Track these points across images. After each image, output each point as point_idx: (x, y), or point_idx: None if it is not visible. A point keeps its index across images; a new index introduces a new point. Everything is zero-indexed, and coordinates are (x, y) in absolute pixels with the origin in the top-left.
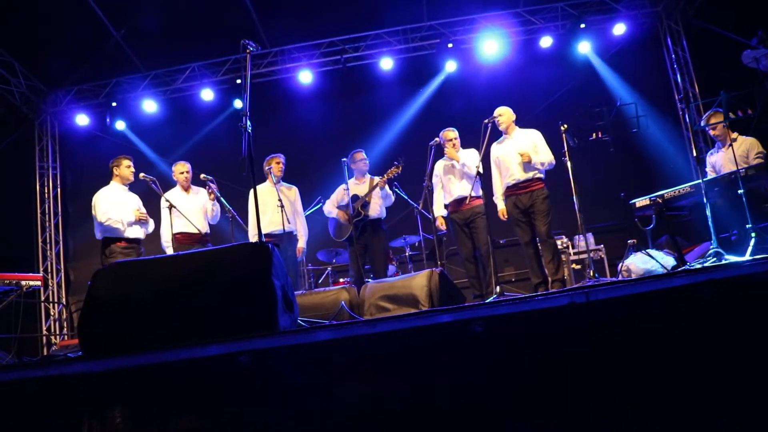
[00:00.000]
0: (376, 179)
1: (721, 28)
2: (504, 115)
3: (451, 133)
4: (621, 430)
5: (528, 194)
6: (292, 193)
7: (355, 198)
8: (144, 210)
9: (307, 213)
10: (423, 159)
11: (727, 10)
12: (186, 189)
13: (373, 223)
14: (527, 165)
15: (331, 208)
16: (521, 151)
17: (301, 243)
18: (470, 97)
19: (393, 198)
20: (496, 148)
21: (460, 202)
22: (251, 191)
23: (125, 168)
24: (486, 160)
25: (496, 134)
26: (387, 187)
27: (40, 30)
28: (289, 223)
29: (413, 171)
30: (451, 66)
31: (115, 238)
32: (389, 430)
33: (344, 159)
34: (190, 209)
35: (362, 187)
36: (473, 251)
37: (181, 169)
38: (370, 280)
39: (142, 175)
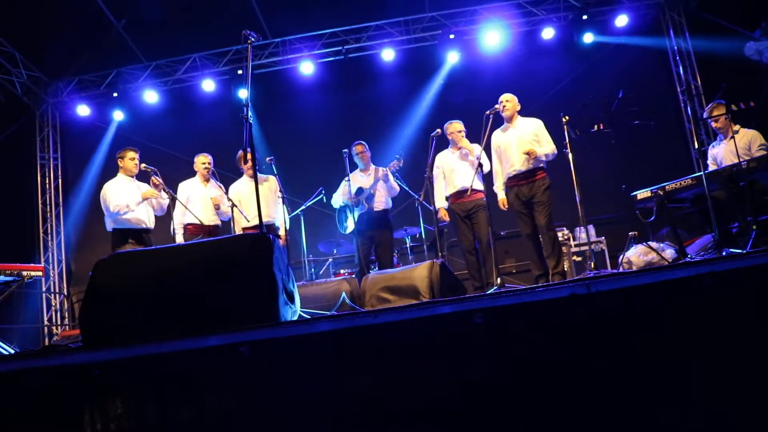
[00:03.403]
0: (381, 170)
1: (723, 19)
2: (510, 102)
3: (458, 125)
4: (622, 420)
5: (529, 185)
6: (273, 183)
7: (360, 191)
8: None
9: (309, 203)
10: (424, 150)
11: (730, 1)
12: (205, 180)
13: (379, 215)
14: (533, 159)
15: (338, 198)
16: (526, 149)
17: (282, 231)
18: (472, 88)
19: (398, 189)
20: (497, 137)
21: (461, 193)
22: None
23: (129, 160)
24: (487, 149)
25: (499, 122)
26: (392, 179)
27: (41, 20)
28: (288, 215)
29: (414, 162)
30: (453, 57)
31: (124, 229)
32: (389, 420)
33: (345, 150)
34: (207, 201)
35: (368, 178)
36: (474, 243)
37: (203, 160)
38: (372, 271)
39: (143, 165)
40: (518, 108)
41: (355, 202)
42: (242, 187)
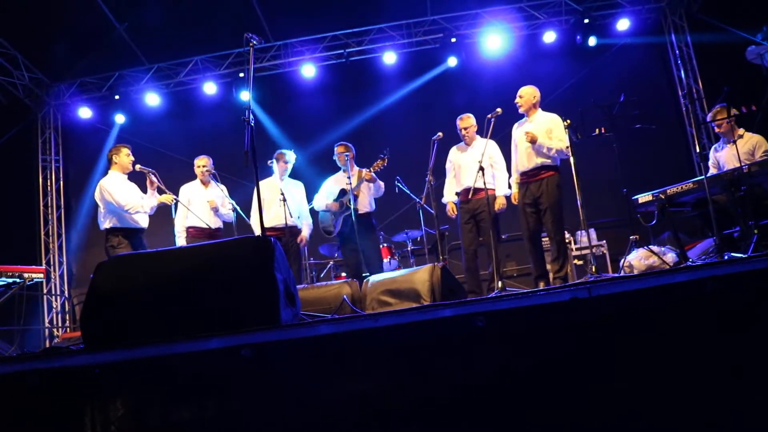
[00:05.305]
0: (364, 171)
1: (725, 23)
2: (524, 97)
3: (467, 121)
4: (621, 424)
5: (537, 183)
6: (299, 189)
7: (342, 192)
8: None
9: (310, 207)
10: (426, 153)
11: (731, 5)
12: (205, 183)
13: (362, 218)
14: (534, 148)
15: (320, 201)
16: (528, 130)
17: (305, 232)
18: (474, 91)
19: (383, 188)
20: (515, 132)
21: (467, 192)
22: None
23: (125, 156)
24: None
25: (501, 126)
26: (377, 179)
27: (44, 22)
28: (291, 217)
29: (416, 165)
30: (452, 61)
31: (125, 228)
32: (391, 423)
33: (347, 154)
34: (206, 204)
35: (353, 179)
36: (473, 242)
37: (198, 163)
38: (368, 274)
39: (138, 166)
40: (534, 101)
41: (337, 207)
42: (265, 189)
